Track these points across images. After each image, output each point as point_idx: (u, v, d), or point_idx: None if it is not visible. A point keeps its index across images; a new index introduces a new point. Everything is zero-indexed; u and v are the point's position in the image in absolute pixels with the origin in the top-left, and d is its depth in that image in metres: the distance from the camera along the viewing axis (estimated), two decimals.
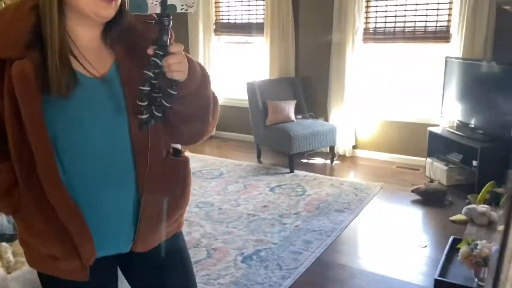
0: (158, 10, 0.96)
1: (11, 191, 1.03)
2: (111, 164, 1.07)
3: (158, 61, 0.97)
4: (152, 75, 0.99)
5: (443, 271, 2.45)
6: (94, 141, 1.04)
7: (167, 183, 1.16)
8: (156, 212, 1.15)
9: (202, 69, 1.12)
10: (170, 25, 0.98)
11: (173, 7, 0.97)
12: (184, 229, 1.44)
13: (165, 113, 1.06)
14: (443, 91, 4.07)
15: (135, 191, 1.10)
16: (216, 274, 2.66)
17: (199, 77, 1.09)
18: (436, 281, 2.32)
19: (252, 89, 4.61)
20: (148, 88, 1.00)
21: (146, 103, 1.01)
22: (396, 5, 4.37)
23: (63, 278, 1.10)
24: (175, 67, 0.99)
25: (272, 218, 3.40)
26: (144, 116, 1.01)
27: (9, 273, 1.49)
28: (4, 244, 1.70)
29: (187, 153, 1.29)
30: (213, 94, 1.17)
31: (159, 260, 1.22)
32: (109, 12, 1.00)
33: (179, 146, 1.37)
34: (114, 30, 1.07)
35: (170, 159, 1.17)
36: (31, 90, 0.96)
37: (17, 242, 1.71)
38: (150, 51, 0.97)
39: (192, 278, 1.29)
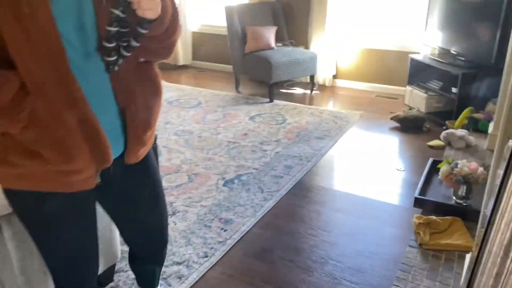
0: None
1: (20, 101, 0.93)
2: (96, 68, 1.02)
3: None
4: (120, 14, 0.92)
5: (422, 191, 2.52)
6: (77, 39, 0.97)
7: (144, 90, 1.16)
8: (140, 120, 1.16)
9: (173, 3, 1.05)
10: None
11: None
12: (164, 156, 1.40)
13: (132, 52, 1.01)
14: (427, 18, 3.99)
15: (115, 104, 1.10)
16: (199, 197, 2.65)
17: (169, 13, 1.03)
18: (416, 199, 2.38)
19: (230, 13, 4.40)
20: (116, 29, 0.94)
21: (114, 44, 0.96)
22: None
23: (62, 191, 1.09)
24: (146, 5, 0.92)
25: (252, 145, 3.38)
26: (112, 58, 0.97)
27: None
28: None
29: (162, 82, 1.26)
30: (176, 8, 1.08)
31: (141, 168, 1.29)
32: None
33: None
34: None
35: (144, 68, 1.16)
36: None
37: None
38: None
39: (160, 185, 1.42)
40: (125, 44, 0.98)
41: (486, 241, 1.18)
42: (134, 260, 1.64)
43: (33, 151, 1.00)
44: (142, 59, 1.15)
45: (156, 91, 1.21)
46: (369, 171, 3.00)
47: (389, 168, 3.03)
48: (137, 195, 1.34)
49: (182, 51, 5.42)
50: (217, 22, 4.95)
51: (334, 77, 4.80)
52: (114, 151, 1.12)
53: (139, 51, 1.06)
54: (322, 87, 4.78)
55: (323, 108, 4.23)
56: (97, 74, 1.03)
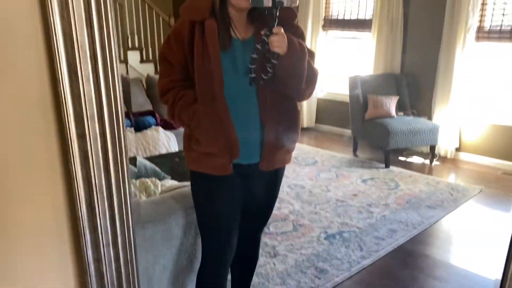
0: (270, 4, 1.37)
1: (192, 105, 1.54)
2: (245, 96, 1.55)
3: (265, 38, 1.40)
4: (260, 47, 1.42)
5: None
6: (236, 77, 1.53)
7: (281, 116, 1.61)
8: (275, 138, 1.60)
9: (302, 48, 1.50)
10: (277, 15, 1.38)
11: (281, 2, 1.37)
12: (275, 205, 1.80)
13: (268, 79, 1.47)
14: None
15: (259, 121, 1.58)
16: (300, 245, 2.86)
17: (298, 53, 1.47)
18: None
19: (354, 82, 4.69)
20: (256, 56, 1.44)
21: (254, 66, 1.45)
22: None
23: (212, 173, 1.59)
24: (276, 44, 1.40)
25: (360, 206, 3.49)
26: (253, 75, 1.46)
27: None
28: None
29: None
30: (312, 68, 1.56)
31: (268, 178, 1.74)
32: (244, 4, 1.45)
33: None
34: (255, 13, 1.53)
35: (284, 100, 1.61)
36: (215, 37, 1.46)
37: (136, 181, 2.10)
38: (262, 32, 1.42)
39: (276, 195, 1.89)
40: (264, 69, 1.44)
41: None
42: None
43: (196, 138, 1.56)
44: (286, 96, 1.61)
45: (292, 120, 1.66)
46: (478, 245, 2.88)
47: (500, 246, 2.86)
48: (260, 194, 1.78)
49: (306, 115, 5.84)
50: (341, 90, 5.28)
51: (457, 149, 4.68)
52: (252, 157, 1.61)
53: (279, 82, 1.52)
54: (444, 159, 4.68)
55: (440, 179, 4.14)
56: (246, 95, 1.54)
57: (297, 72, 1.49)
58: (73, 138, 0.77)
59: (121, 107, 0.77)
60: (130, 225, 0.82)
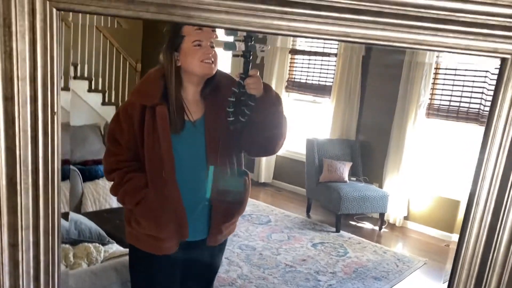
0: (243, 48, 1.45)
1: (140, 190, 1.53)
2: (196, 177, 1.57)
3: (241, 81, 1.45)
4: (237, 91, 1.47)
5: None
6: (188, 159, 1.55)
7: (232, 192, 1.63)
8: (223, 215, 1.61)
9: (277, 95, 1.56)
10: (251, 58, 1.47)
11: (253, 46, 1.46)
12: (224, 266, 1.79)
13: (247, 121, 1.50)
14: None
15: (209, 199, 1.58)
16: None
17: (273, 98, 1.52)
18: None
19: (311, 145, 4.84)
20: (234, 99, 1.49)
21: (233, 109, 1.49)
22: (463, 85, 4.45)
23: (155, 253, 1.58)
24: (252, 86, 1.46)
25: (307, 272, 3.51)
26: (232, 118, 1.50)
27: (69, 270, 1.81)
28: (68, 246, 2.03)
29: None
30: (284, 116, 1.58)
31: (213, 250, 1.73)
32: (211, 71, 1.50)
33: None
34: (207, 88, 1.55)
35: (233, 177, 1.63)
36: (166, 123, 1.48)
37: (79, 246, 2.05)
38: (237, 75, 1.48)
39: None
40: (241, 112, 1.49)
41: None
42: None
43: (137, 219, 1.55)
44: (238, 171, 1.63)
45: (241, 197, 1.69)
46: None
47: None
48: (203, 266, 1.78)
49: (265, 170, 5.91)
50: (299, 150, 5.42)
51: (406, 218, 4.84)
52: (199, 234, 1.60)
53: (246, 140, 1.56)
54: (392, 226, 4.82)
55: (388, 248, 4.25)
56: (197, 176, 1.56)
57: (273, 115, 1.53)
58: (4, 247, 0.76)
59: (58, 219, 0.78)
60: None
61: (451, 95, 4.54)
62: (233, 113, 1.50)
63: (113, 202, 3.51)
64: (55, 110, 0.75)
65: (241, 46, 1.45)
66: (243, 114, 1.49)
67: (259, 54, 1.57)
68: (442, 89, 4.62)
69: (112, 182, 1.58)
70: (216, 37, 1.52)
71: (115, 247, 2.19)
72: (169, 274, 1.67)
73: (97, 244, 2.08)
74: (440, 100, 4.63)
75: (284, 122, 1.58)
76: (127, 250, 2.11)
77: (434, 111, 4.66)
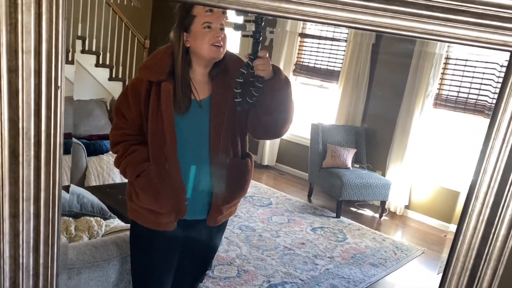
0: (253, 28, 1.41)
1: (141, 163, 1.54)
2: (198, 156, 1.57)
3: (250, 62, 1.43)
4: (245, 72, 1.45)
5: None
6: (190, 138, 1.56)
7: (232, 175, 1.62)
8: (224, 196, 1.61)
9: (286, 78, 1.52)
10: (261, 39, 1.42)
11: (263, 27, 1.41)
12: (223, 246, 1.81)
13: (254, 103, 1.49)
14: None
15: (209, 177, 1.58)
16: None
17: (282, 81, 1.49)
18: None
19: (315, 130, 4.83)
20: (241, 80, 1.46)
21: (240, 91, 1.48)
22: (472, 77, 4.40)
23: (154, 228, 1.59)
24: (261, 67, 1.43)
25: (306, 256, 3.55)
26: (239, 100, 1.48)
27: (69, 242, 1.83)
28: (70, 219, 2.06)
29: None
30: (292, 101, 1.57)
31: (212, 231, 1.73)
32: (219, 55, 1.49)
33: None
34: (216, 69, 1.55)
35: (236, 159, 1.62)
36: (170, 101, 1.48)
37: (81, 219, 2.07)
38: (246, 56, 1.45)
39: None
40: (249, 94, 1.48)
41: None
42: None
43: (136, 192, 1.56)
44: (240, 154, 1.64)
45: (242, 178, 1.67)
46: None
47: None
48: (201, 247, 1.79)
49: (268, 153, 5.92)
50: (304, 134, 5.41)
51: (406, 207, 4.85)
52: (198, 214, 1.62)
53: (251, 122, 1.56)
54: (392, 214, 4.84)
55: (387, 236, 4.27)
56: (199, 156, 1.57)
57: (281, 99, 1.51)
58: (5, 218, 0.77)
59: (59, 191, 0.79)
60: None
61: (460, 86, 4.49)
62: (240, 94, 1.48)
63: (116, 178, 3.53)
64: (59, 85, 0.75)
65: (251, 27, 1.42)
66: (251, 96, 1.47)
67: (268, 36, 1.54)
68: (451, 80, 4.56)
69: (116, 155, 1.60)
70: (227, 19, 1.50)
71: (116, 222, 2.22)
72: (167, 251, 1.69)
73: (99, 218, 2.11)
74: (449, 90, 4.58)
75: (292, 106, 1.56)
76: (128, 225, 2.14)
77: (441, 101, 4.62)
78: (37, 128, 0.77)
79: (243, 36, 1.45)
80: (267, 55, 1.43)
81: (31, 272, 0.82)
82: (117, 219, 2.28)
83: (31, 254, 0.81)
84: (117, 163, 1.60)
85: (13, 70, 0.72)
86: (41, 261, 0.82)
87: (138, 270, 1.72)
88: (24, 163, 0.77)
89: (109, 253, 1.83)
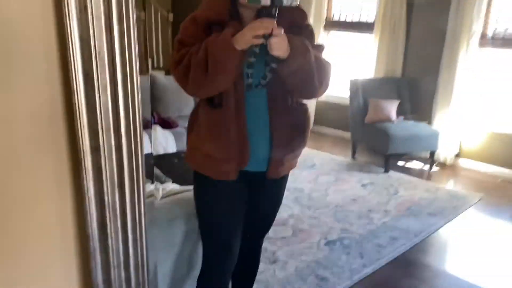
0: (268, 3, 1.25)
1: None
2: (257, 102, 1.47)
3: (264, 41, 1.27)
4: (258, 51, 1.31)
5: None
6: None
7: (291, 122, 1.53)
8: (284, 145, 1.53)
9: (304, 46, 1.38)
10: (276, 14, 1.26)
11: (280, 1, 1.25)
12: None
13: (270, 81, 1.38)
14: None
15: (269, 128, 1.50)
16: (300, 251, 2.80)
17: (300, 55, 1.36)
18: None
19: (354, 86, 4.65)
20: (254, 59, 1.34)
21: (252, 71, 1.35)
22: None
23: (214, 178, 1.53)
24: (275, 46, 1.30)
25: (359, 211, 3.45)
26: (250, 81, 1.36)
27: None
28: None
29: None
30: (323, 61, 1.46)
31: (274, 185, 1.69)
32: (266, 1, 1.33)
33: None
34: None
35: (294, 106, 1.53)
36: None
37: None
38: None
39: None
40: (263, 73, 1.38)
41: None
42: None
43: (199, 132, 1.51)
44: (295, 102, 1.54)
45: (301, 125, 1.59)
46: (481, 256, 2.84)
47: (505, 257, 2.84)
48: (265, 201, 1.75)
49: None
50: (341, 93, 5.23)
51: (457, 156, 4.65)
52: (259, 165, 1.55)
53: (288, 86, 1.44)
54: (443, 165, 4.65)
55: (440, 185, 4.12)
56: (257, 101, 1.47)
57: (304, 72, 1.40)
58: (86, 151, 0.70)
59: (139, 119, 0.71)
60: (144, 246, 0.76)
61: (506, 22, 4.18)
62: (252, 75, 1.37)
63: (160, 149, 3.51)
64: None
65: (266, 0, 1.26)
66: (264, 77, 1.37)
67: (292, 5, 1.36)
68: (498, 16, 4.26)
69: (180, 79, 1.42)
70: None
71: (171, 186, 2.18)
72: (232, 204, 1.63)
73: (155, 182, 2.07)
74: (496, 27, 4.28)
75: (324, 70, 1.46)
76: (184, 187, 2.09)
77: (488, 39, 4.33)
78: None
79: (259, 10, 1.31)
80: (283, 31, 1.30)
81: (118, 211, 0.76)
82: (171, 183, 2.24)
83: (116, 190, 0.75)
84: (185, 71, 1.38)
85: None
86: (128, 198, 0.75)
87: (206, 225, 1.67)
88: (100, 88, 0.70)
89: (171, 213, 1.79)
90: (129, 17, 0.67)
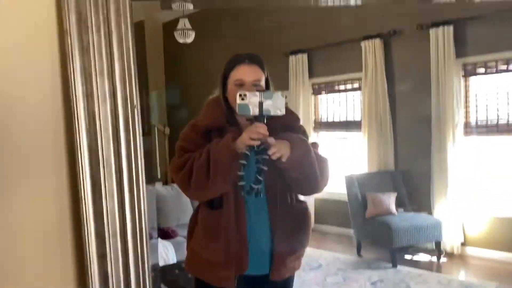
0: (257, 113, 1.34)
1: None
2: (258, 204, 1.49)
3: (265, 148, 1.36)
4: (249, 154, 1.36)
5: None
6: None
7: (292, 221, 1.53)
8: (286, 245, 1.51)
9: (303, 141, 1.46)
10: (265, 122, 1.35)
11: (268, 111, 1.35)
12: None
13: (269, 184, 1.45)
14: None
15: (269, 229, 1.49)
16: None
17: (301, 147, 1.44)
18: None
19: (350, 182, 4.71)
20: (246, 163, 1.36)
21: (244, 173, 1.37)
22: (498, 98, 4.34)
23: (214, 284, 1.48)
24: (278, 153, 1.37)
25: None
26: (242, 183, 1.38)
27: None
28: None
29: None
30: (320, 157, 1.51)
31: None
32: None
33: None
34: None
35: (294, 205, 1.55)
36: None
37: None
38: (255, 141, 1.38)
39: None
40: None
41: None
42: None
43: (198, 238, 1.51)
44: (295, 200, 1.56)
45: (302, 223, 1.59)
46: None
47: None
48: None
49: None
50: (338, 189, 5.27)
51: (463, 244, 4.55)
52: (260, 268, 1.50)
53: (291, 176, 1.46)
54: (451, 255, 4.52)
55: (452, 277, 3.96)
56: (256, 202, 1.47)
57: (306, 163, 1.45)
58: (93, 258, 0.71)
59: (146, 224, 0.73)
60: None
61: (486, 109, 4.41)
62: (244, 178, 1.37)
63: (160, 260, 3.43)
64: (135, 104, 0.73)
65: (255, 111, 1.34)
66: (256, 181, 1.37)
67: (278, 114, 1.43)
68: (476, 105, 4.50)
69: (182, 183, 1.45)
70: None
71: None
72: None
73: None
74: (476, 116, 4.50)
75: (323, 163, 1.52)
76: None
77: (471, 128, 4.52)
78: (118, 157, 0.73)
79: (247, 120, 1.42)
80: (274, 141, 1.36)
81: None
82: None
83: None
84: (188, 175, 1.41)
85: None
86: None
87: None
88: (107, 196, 0.73)
89: None
90: (135, 128, 0.73)
